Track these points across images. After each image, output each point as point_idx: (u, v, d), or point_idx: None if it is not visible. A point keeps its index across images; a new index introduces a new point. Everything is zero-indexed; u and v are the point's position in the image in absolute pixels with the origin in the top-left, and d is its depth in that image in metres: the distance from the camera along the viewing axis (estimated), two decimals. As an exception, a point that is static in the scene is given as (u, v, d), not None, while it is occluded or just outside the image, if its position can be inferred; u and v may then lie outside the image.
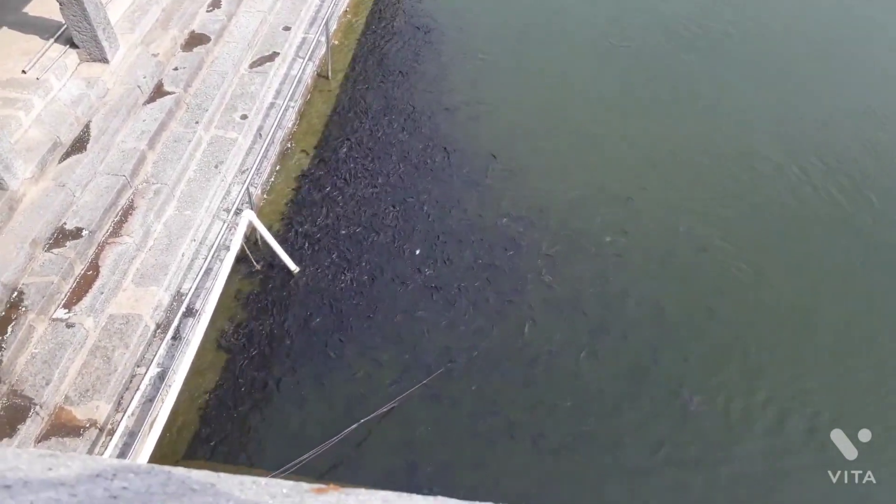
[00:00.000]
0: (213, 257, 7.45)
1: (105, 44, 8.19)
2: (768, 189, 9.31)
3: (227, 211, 8.00)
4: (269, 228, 8.15)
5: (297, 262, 8.12)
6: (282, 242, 8.11)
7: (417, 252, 8.37)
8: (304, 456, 6.28)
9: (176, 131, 8.45)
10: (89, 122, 7.89)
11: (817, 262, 8.50)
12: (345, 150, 9.59)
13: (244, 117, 9.01)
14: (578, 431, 6.94)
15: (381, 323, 7.70)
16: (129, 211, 7.51)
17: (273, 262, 8.12)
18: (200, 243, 7.69)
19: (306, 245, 8.41)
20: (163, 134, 8.31)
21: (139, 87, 8.37)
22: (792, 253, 8.56)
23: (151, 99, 8.52)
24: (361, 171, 9.31)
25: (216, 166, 8.37)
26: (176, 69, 8.96)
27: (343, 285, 8.02)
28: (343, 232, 8.55)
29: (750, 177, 9.45)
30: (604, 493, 6.63)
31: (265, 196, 8.90)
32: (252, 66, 9.75)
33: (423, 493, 1.11)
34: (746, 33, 11.95)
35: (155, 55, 8.81)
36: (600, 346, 7.57)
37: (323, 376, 7.26)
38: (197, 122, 8.59)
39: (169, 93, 8.64)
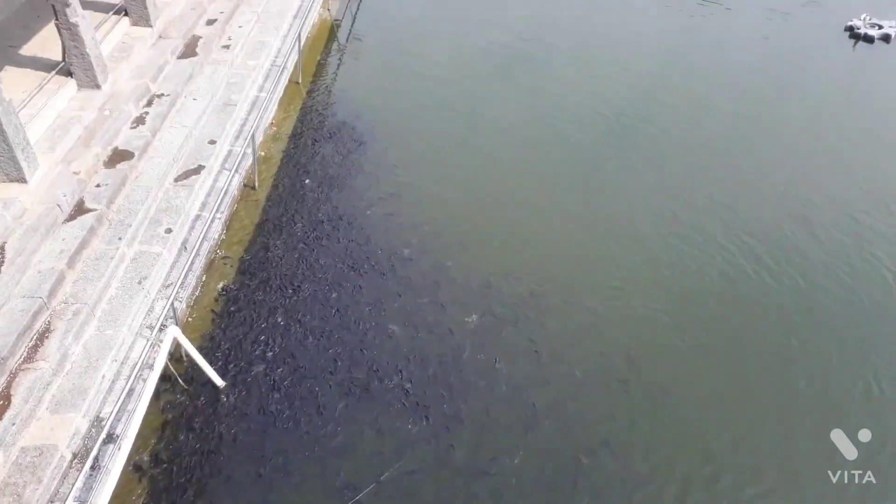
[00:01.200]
0: (135, 377, 7.18)
1: (24, 164, 8.10)
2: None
3: (151, 328, 7.79)
4: (195, 342, 8.01)
5: (224, 377, 7.94)
6: (207, 356, 7.95)
7: (348, 360, 8.34)
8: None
9: (98, 248, 8.31)
10: (4, 243, 7.68)
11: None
12: (273, 260, 9.62)
13: (169, 231, 8.95)
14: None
15: (314, 437, 7.53)
16: (45, 334, 7.23)
17: (198, 377, 7.91)
18: (122, 363, 7.44)
19: (233, 358, 8.25)
20: (83, 252, 8.15)
21: (59, 205, 8.25)
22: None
23: (72, 217, 8.40)
24: (290, 280, 9.32)
25: (139, 282, 8.22)
26: (98, 186, 8.90)
27: (272, 399, 7.86)
28: (271, 343, 8.45)
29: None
30: None
31: (190, 310, 8.75)
32: (177, 179, 9.79)
33: None
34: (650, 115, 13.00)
35: (76, 173, 8.75)
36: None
37: (258, 498, 6.97)
38: (120, 238, 8.48)
39: (90, 210, 8.55)
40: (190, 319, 8.68)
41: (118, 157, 9.44)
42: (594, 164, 11.96)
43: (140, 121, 10.10)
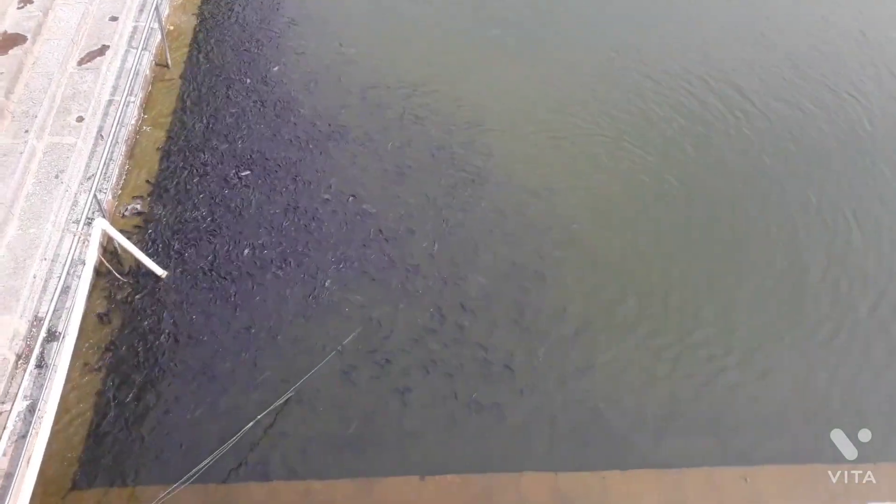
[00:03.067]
0: (68, 274, 6.97)
1: None
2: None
3: (77, 223, 7.46)
4: (128, 234, 7.73)
5: (164, 265, 7.74)
6: (144, 247, 7.71)
7: (291, 233, 8.21)
8: (203, 463, 6.09)
9: (4, 144, 7.76)
10: None
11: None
12: (196, 139, 9.14)
13: (80, 119, 8.38)
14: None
15: (261, 315, 7.51)
16: (-38, 239, 6.86)
17: (137, 269, 7.70)
18: (52, 261, 7.16)
19: (171, 245, 8.01)
20: (-12, 149, 7.60)
21: (-49, 100, 7.59)
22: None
23: (-32, 112, 7.75)
24: (218, 159, 8.92)
25: (57, 176, 7.77)
26: (-8, 76, 8.17)
27: (215, 282, 7.73)
28: (207, 226, 8.20)
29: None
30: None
31: (118, 200, 8.37)
32: (81, 62, 9.04)
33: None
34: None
35: (-36, 63, 7.99)
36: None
37: (208, 381, 7.01)
38: (27, 132, 7.91)
39: (-12, 103, 7.89)
40: (125, 214, 8.27)
41: (9, 41, 8.61)
42: (536, 20, 11.40)
43: (27, -1, 9.16)
